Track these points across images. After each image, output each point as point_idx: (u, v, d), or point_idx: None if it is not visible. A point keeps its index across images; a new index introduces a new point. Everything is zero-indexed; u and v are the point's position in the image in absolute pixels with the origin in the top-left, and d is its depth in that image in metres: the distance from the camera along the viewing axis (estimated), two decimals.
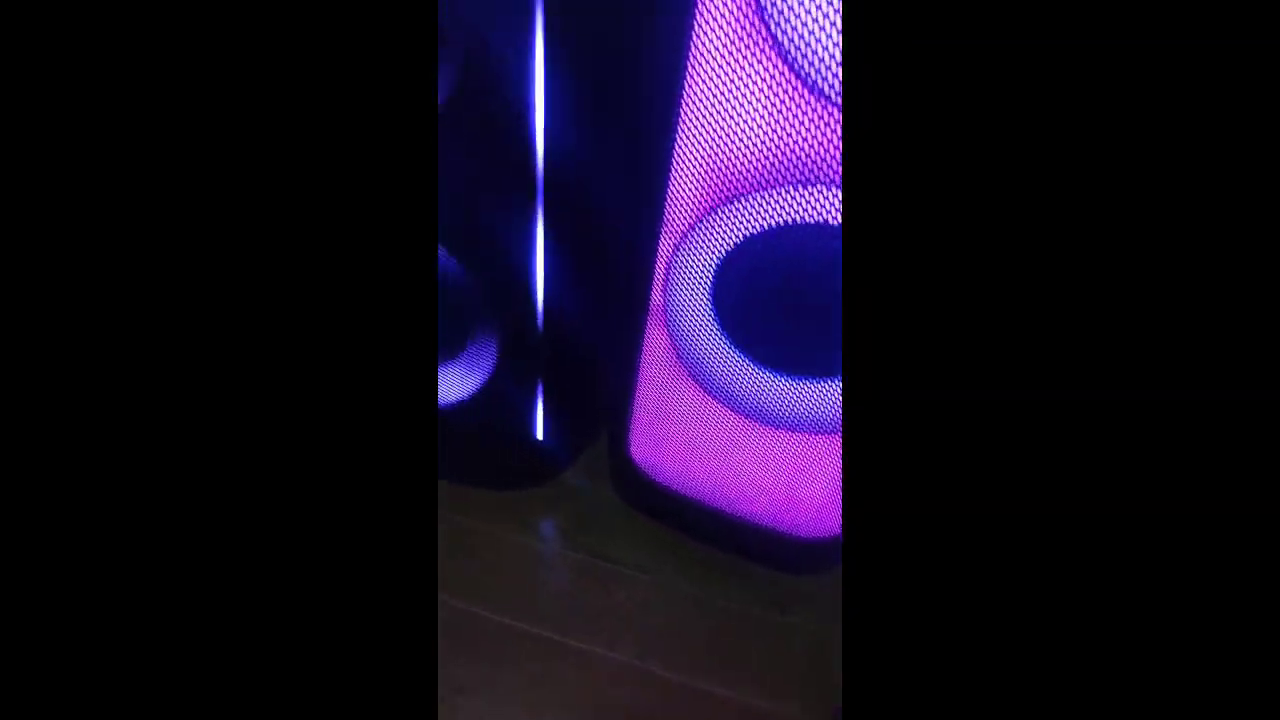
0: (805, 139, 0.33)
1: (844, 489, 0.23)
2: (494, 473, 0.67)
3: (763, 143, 0.34)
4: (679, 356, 0.48)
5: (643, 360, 0.50)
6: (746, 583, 0.62)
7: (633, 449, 0.59)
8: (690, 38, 0.32)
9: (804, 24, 0.30)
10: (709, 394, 0.49)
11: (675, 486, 0.59)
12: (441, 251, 0.46)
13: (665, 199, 0.39)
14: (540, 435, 0.61)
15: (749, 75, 0.32)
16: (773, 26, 0.30)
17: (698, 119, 0.35)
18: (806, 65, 0.31)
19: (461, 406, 0.58)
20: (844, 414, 0.40)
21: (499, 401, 0.57)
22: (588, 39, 0.38)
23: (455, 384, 0.57)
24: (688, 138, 0.36)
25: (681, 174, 0.38)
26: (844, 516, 0.23)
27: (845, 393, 0.26)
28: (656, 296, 0.45)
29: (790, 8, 0.29)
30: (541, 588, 0.62)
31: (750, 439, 0.51)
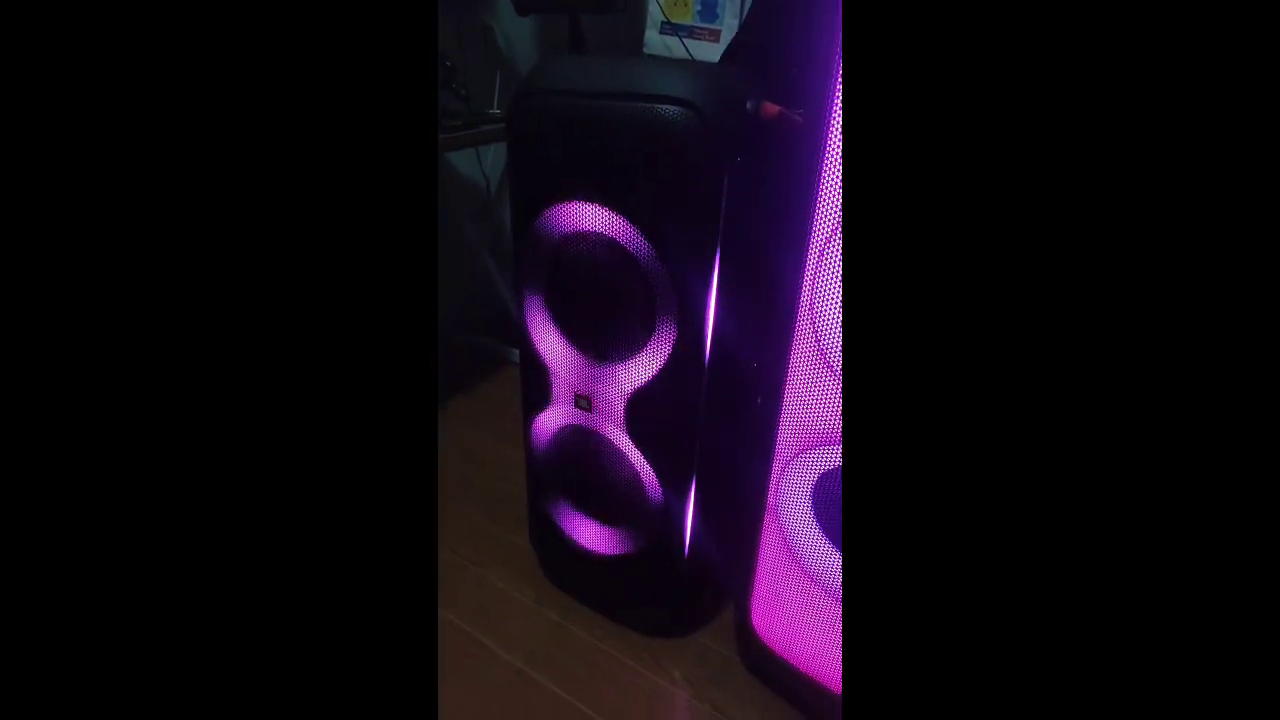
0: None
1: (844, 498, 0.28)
2: (644, 619, 0.85)
3: (830, 415, 0.55)
4: (788, 545, 0.66)
5: (762, 547, 0.68)
6: None
7: (755, 621, 0.74)
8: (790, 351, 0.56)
9: None
10: (811, 579, 0.65)
11: (787, 656, 0.72)
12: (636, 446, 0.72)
13: (776, 441, 0.61)
14: (683, 592, 0.80)
15: (817, 379, 0.55)
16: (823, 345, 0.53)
17: (795, 402, 0.58)
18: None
19: (627, 558, 0.80)
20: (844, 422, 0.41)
21: (654, 560, 0.78)
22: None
23: (626, 539, 0.79)
24: (790, 410, 0.59)
25: (786, 429, 0.60)
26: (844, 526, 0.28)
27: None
28: (772, 499, 0.65)
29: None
30: None
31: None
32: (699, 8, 1.38)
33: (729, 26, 1.35)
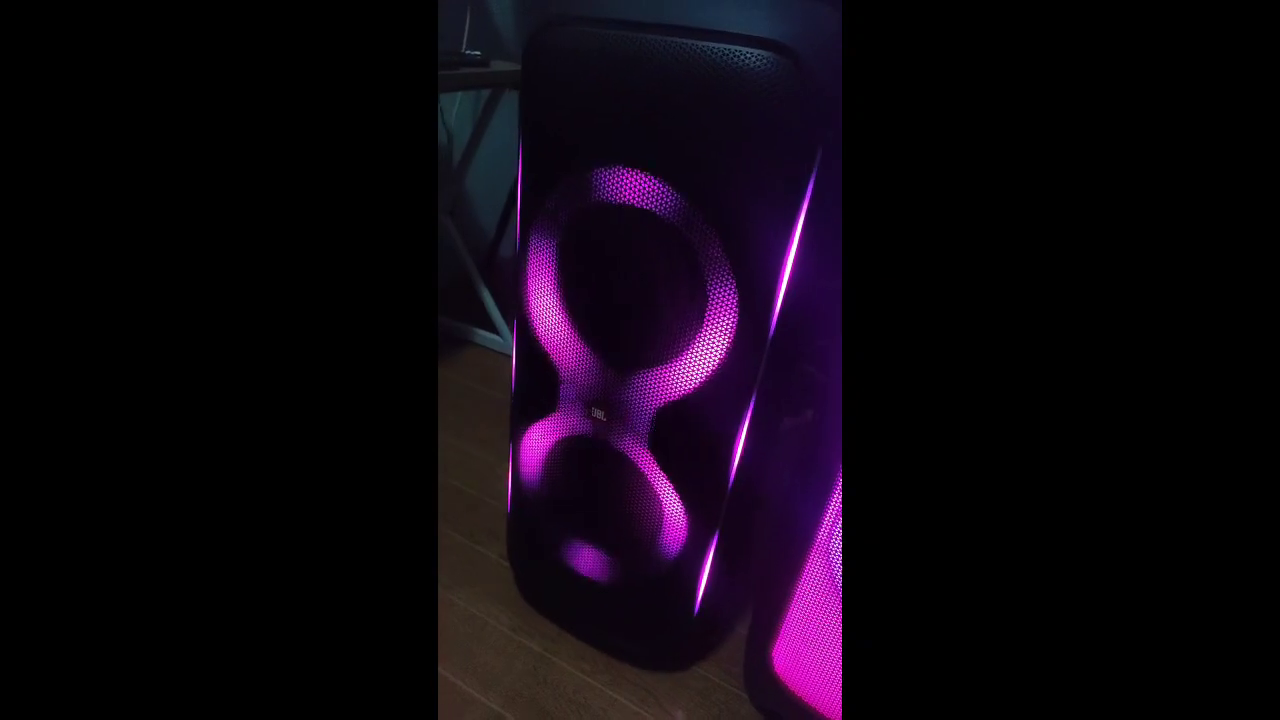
0: None
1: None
2: (642, 652, 0.75)
3: None
4: (836, 586, 0.57)
5: (801, 584, 0.59)
6: None
7: (776, 659, 0.66)
8: None
9: None
10: None
11: (813, 702, 0.64)
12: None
13: (838, 473, 0.52)
14: (694, 625, 0.70)
15: None
16: None
17: None
18: None
19: (632, 586, 0.69)
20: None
21: (665, 589, 0.67)
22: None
23: (635, 567, 0.69)
24: None
25: None
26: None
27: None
28: (823, 536, 0.56)
29: None
30: None
31: None
32: None
33: None
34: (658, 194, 0.48)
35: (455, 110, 1.42)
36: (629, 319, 0.55)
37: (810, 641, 0.62)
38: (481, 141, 1.33)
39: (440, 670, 0.73)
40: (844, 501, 0.53)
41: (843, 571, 0.55)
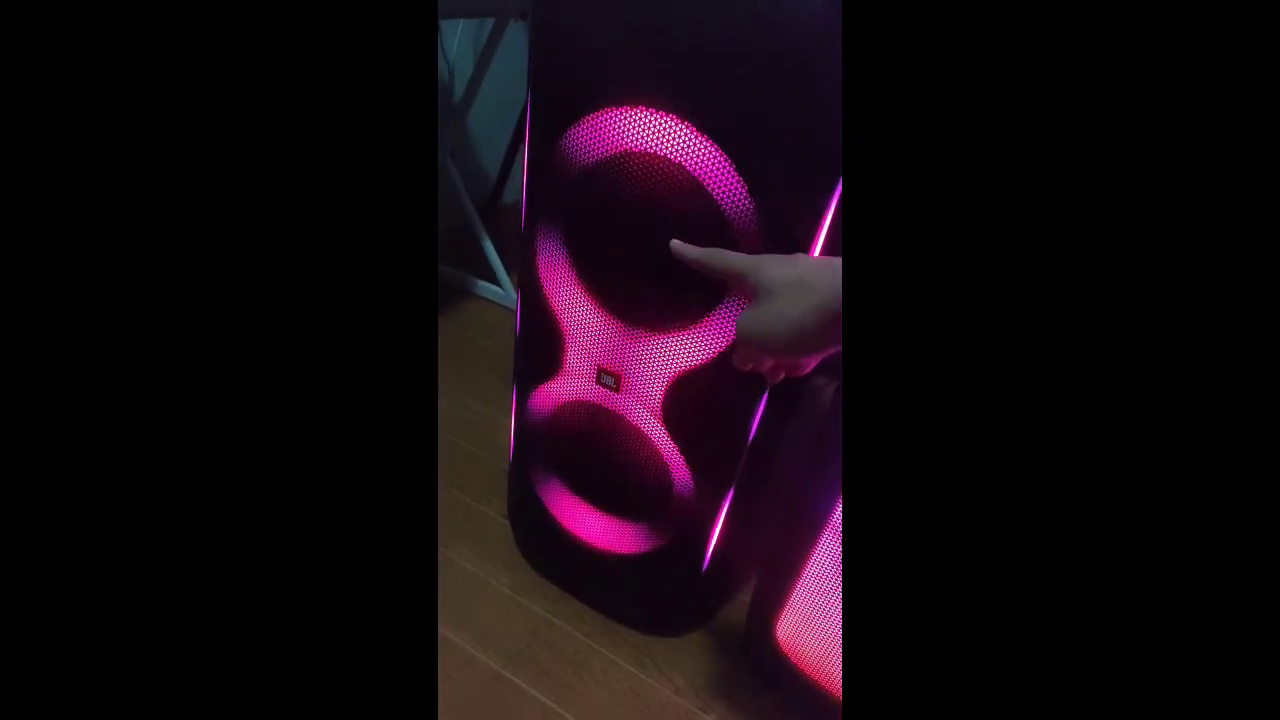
0: None
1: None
2: (643, 617, 0.74)
3: None
4: None
5: (811, 559, 0.58)
6: None
7: (779, 629, 0.65)
8: None
9: None
10: None
11: (814, 675, 0.64)
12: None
13: None
14: (696, 594, 0.69)
15: None
16: None
17: None
18: None
19: (632, 552, 0.68)
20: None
21: (669, 557, 0.66)
22: None
23: (640, 536, 0.67)
24: None
25: None
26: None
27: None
28: (837, 514, 0.54)
29: None
30: None
31: None
32: None
33: None
34: (686, 142, 0.43)
35: (456, 41, 1.32)
36: (645, 280, 0.51)
37: (816, 617, 0.61)
38: (485, 76, 1.25)
39: (440, 629, 0.73)
40: (844, 493, 0.50)
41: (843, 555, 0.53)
